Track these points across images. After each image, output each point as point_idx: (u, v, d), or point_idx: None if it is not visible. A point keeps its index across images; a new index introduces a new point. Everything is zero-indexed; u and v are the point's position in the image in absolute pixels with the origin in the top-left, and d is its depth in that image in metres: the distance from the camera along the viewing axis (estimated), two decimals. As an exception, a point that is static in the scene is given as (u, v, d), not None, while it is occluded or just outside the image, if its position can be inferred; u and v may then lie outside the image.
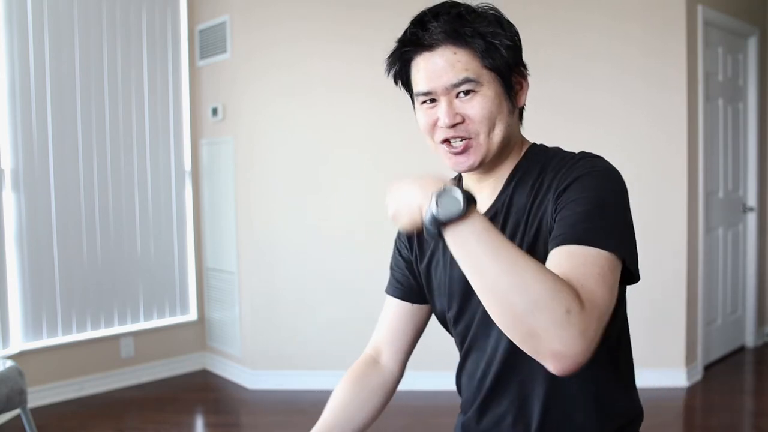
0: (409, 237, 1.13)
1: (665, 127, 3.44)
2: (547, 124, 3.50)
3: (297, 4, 3.51)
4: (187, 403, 3.45)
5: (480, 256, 0.79)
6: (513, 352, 0.95)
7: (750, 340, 4.28)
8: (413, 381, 3.57)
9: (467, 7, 0.99)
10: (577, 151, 1.02)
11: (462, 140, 0.98)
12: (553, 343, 0.75)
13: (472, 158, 0.98)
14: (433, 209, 0.80)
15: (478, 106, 0.96)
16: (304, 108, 3.54)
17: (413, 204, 0.85)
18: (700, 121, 3.59)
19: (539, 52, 3.41)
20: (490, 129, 0.97)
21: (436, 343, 3.83)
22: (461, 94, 0.96)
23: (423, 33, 0.97)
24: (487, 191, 1.03)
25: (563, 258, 0.84)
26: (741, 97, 4.17)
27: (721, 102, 3.92)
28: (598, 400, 0.98)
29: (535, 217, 0.96)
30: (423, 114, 1.01)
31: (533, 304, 0.75)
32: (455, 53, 0.95)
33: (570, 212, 0.89)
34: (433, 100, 0.99)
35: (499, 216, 1.00)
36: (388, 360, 1.19)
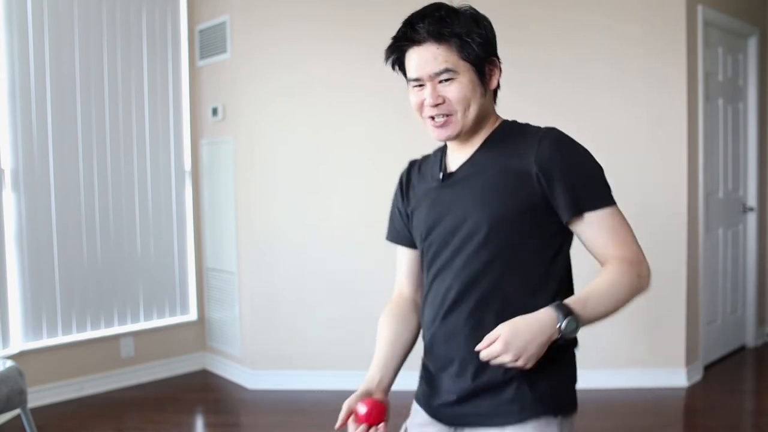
0: (403, 192, 1.43)
1: (665, 127, 3.44)
2: (548, 124, 3.50)
3: (297, 4, 3.51)
4: (187, 403, 3.45)
5: (600, 316, 1.19)
6: (475, 275, 1.21)
7: (750, 340, 4.28)
8: (413, 381, 3.57)
9: (448, 9, 1.21)
10: (543, 126, 1.29)
11: (443, 116, 1.23)
12: (642, 291, 1.25)
13: (450, 130, 1.23)
14: (561, 338, 1.11)
15: (455, 91, 1.21)
16: (304, 108, 3.54)
17: (543, 340, 1.10)
18: (700, 121, 3.59)
19: (539, 52, 3.41)
20: (465, 108, 1.22)
21: (436, 343, 3.79)
22: (443, 81, 1.21)
23: (412, 32, 1.22)
24: (465, 152, 1.29)
25: (610, 228, 1.21)
26: (741, 97, 4.17)
27: (721, 102, 3.92)
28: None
29: (509, 168, 1.21)
30: (414, 95, 1.27)
31: (630, 297, 1.24)
32: (437, 48, 1.19)
33: (582, 179, 1.20)
34: (421, 85, 1.24)
35: (474, 165, 1.27)
36: (412, 294, 1.41)
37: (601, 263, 1.25)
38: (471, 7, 1.24)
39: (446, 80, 1.21)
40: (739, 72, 4.13)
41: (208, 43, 3.83)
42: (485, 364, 1.14)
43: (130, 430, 3.08)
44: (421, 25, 1.21)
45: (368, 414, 1.21)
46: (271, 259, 3.63)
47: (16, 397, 2.28)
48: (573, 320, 1.10)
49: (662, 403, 3.28)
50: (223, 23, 3.69)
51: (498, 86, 1.28)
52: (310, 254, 3.58)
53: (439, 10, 1.21)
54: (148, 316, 3.83)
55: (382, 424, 1.22)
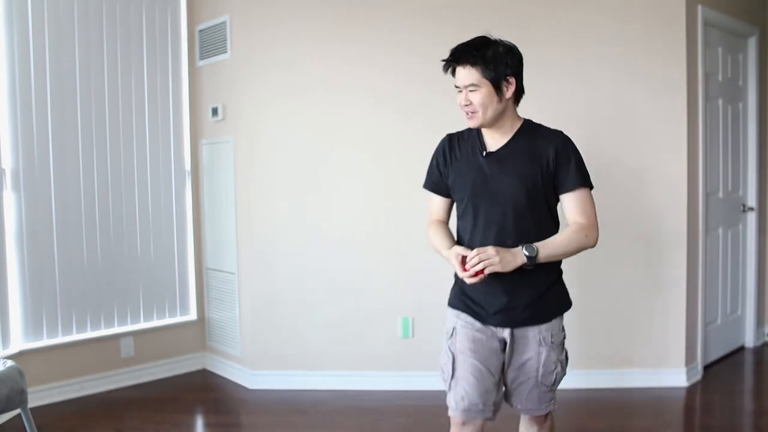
0: (445, 157, 2.01)
1: (665, 127, 3.45)
2: (548, 123, 3.50)
3: (297, 4, 3.51)
4: (187, 403, 3.45)
5: (551, 256, 1.83)
6: (510, 221, 1.88)
7: (749, 340, 4.29)
8: (413, 381, 3.58)
9: (483, 42, 1.85)
10: (553, 128, 1.96)
11: (471, 113, 1.87)
12: (589, 247, 1.87)
13: (475, 122, 1.89)
14: (527, 261, 1.79)
15: (477, 98, 1.84)
16: (304, 108, 3.54)
17: (517, 262, 1.79)
18: (700, 121, 3.60)
19: (539, 52, 3.41)
20: (485, 110, 1.85)
21: (436, 345, 3.82)
22: (470, 90, 1.84)
23: (457, 55, 1.85)
24: (497, 138, 1.92)
25: (580, 202, 1.89)
26: (741, 97, 4.17)
27: (721, 102, 3.92)
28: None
29: (534, 154, 1.88)
30: (458, 95, 1.89)
31: (578, 249, 1.86)
32: (469, 68, 1.83)
33: (572, 166, 1.88)
34: (460, 90, 1.87)
35: (512, 148, 1.90)
36: (445, 220, 2.10)
37: (569, 223, 1.90)
38: (501, 41, 1.86)
39: (472, 90, 1.84)
40: (739, 72, 4.13)
41: (208, 43, 3.83)
42: (519, 281, 1.86)
43: (130, 430, 3.08)
44: (463, 51, 1.85)
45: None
46: (271, 259, 3.63)
47: (17, 397, 2.28)
48: (530, 247, 1.80)
49: (662, 403, 3.28)
50: (223, 23, 3.69)
51: (522, 94, 1.92)
52: (310, 254, 3.58)
53: (476, 42, 1.85)
54: (148, 316, 3.83)
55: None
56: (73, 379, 3.52)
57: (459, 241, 1.99)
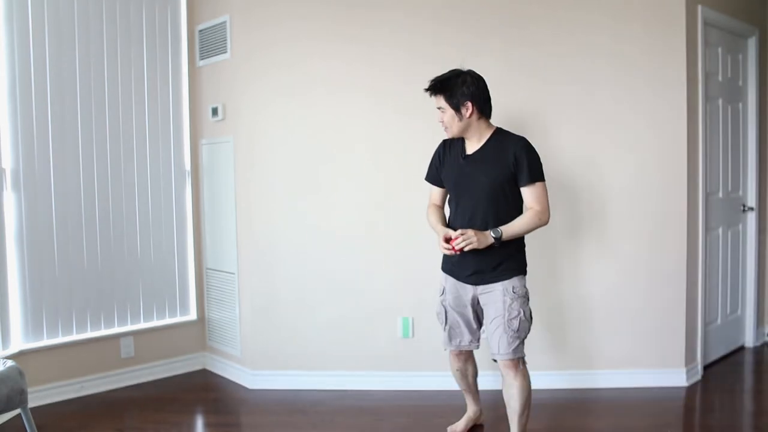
0: (440, 158, 2.70)
1: (665, 127, 3.45)
2: (549, 123, 3.50)
3: (297, 4, 3.51)
4: (187, 403, 3.45)
5: (513, 235, 2.49)
6: (482, 207, 2.52)
7: (749, 340, 4.29)
8: (413, 381, 3.58)
9: (449, 76, 2.52)
10: (517, 135, 2.58)
11: (444, 128, 2.57)
12: (542, 225, 2.53)
13: (448, 134, 2.60)
14: (495, 242, 2.46)
15: (444, 117, 2.55)
16: (304, 108, 3.54)
17: (489, 242, 2.46)
18: (700, 121, 3.60)
19: (539, 52, 3.42)
20: (450, 126, 2.55)
21: (436, 345, 3.83)
22: (441, 110, 2.55)
23: (432, 85, 2.54)
24: (473, 144, 2.58)
25: (535, 193, 2.50)
26: (741, 97, 4.17)
27: (721, 102, 3.92)
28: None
29: (499, 156, 2.50)
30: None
31: (534, 228, 2.52)
32: (437, 97, 2.54)
33: (526, 165, 2.47)
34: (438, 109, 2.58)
35: (482, 153, 2.55)
36: (442, 204, 2.79)
37: (527, 208, 2.53)
38: (468, 73, 2.54)
39: (442, 111, 2.55)
40: (739, 72, 4.13)
41: (208, 43, 3.83)
42: (486, 253, 2.49)
43: (130, 430, 3.08)
44: (434, 84, 2.54)
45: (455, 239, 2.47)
46: (271, 259, 3.63)
47: (17, 397, 2.29)
48: (496, 231, 2.45)
49: (661, 403, 3.28)
50: (223, 23, 3.69)
51: (488, 111, 2.58)
52: (310, 254, 3.58)
53: (445, 76, 2.53)
54: (148, 316, 3.83)
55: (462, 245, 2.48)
56: (73, 379, 3.52)
57: (448, 222, 2.69)
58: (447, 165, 2.65)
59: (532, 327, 2.61)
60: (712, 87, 3.79)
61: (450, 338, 2.74)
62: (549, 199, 2.52)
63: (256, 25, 3.56)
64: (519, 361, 2.55)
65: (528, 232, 2.52)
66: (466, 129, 2.53)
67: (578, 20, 3.41)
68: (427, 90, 2.54)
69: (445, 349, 2.81)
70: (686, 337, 3.54)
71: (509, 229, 2.46)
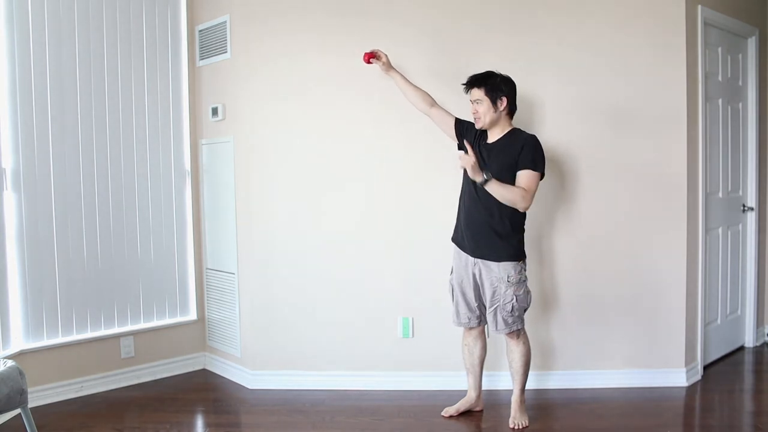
0: (467, 128, 3.04)
1: (665, 127, 3.45)
2: (548, 123, 3.50)
3: (297, 4, 3.51)
4: (187, 403, 3.45)
5: (496, 190, 2.77)
6: (474, 201, 2.91)
7: (749, 340, 4.29)
8: (413, 381, 3.58)
9: (487, 74, 2.90)
10: (529, 133, 2.94)
11: (477, 118, 2.93)
12: (520, 206, 2.83)
13: (478, 124, 2.94)
14: (482, 181, 2.77)
15: (480, 109, 2.90)
16: (304, 108, 3.54)
17: (478, 176, 2.76)
18: (700, 121, 3.60)
19: (539, 53, 3.42)
20: (483, 117, 2.90)
21: (436, 345, 3.83)
22: (476, 103, 2.90)
23: (471, 80, 2.92)
24: (493, 135, 2.93)
25: (528, 177, 2.81)
26: (741, 97, 4.17)
27: (721, 102, 3.92)
28: (507, 219, 2.90)
29: (512, 149, 2.85)
30: (471, 106, 2.93)
31: (512, 199, 2.79)
32: (476, 89, 2.90)
33: (529, 154, 2.83)
34: (472, 103, 2.92)
35: (499, 143, 2.90)
36: (433, 108, 3.18)
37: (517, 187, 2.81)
38: (501, 74, 2.89)
39: (478, 103, 2.89)
40: (738, 72, 4.13)
41: (208, 43, 3.83)
42: (487, 234, 2.89)
43: (130, 430, 3.08)
44: (475, 78, 2.90)
45: (368, 54, 3.11)
46: (271, 260, 3.63)
47: (17, 397, 2.29)
48: (488, 173, 2.74)
49: (661, 403, 3.28)
50: (223, 23, 3.69)
51: (514, 111, 2.96)
52: (311, 254, 3.58)
53: (484, 73, 2.89)
54: (148, 316, 3.83)
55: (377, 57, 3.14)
56: (73, 379, 3.52)
57: (459, 201, 3.07)
58: (467, 140, 2.93)
59: (531, 325, 2.72)
60: (712, 87, 3.79)
61: (457, 314, 3.09)
62: (537, 192, 2.83)
63: (256, 25, 3.56)
64: (518, 332, 2.96)
65: (506, 200, 2.77)
66: (495, 121, 2.88)
67: (578, 20, 3.41)
68: (465, 84, 2.90)
69: (457, 326, 3.14)
70: (686, 337, 3.54)
71: (496, 184, 2.74)
